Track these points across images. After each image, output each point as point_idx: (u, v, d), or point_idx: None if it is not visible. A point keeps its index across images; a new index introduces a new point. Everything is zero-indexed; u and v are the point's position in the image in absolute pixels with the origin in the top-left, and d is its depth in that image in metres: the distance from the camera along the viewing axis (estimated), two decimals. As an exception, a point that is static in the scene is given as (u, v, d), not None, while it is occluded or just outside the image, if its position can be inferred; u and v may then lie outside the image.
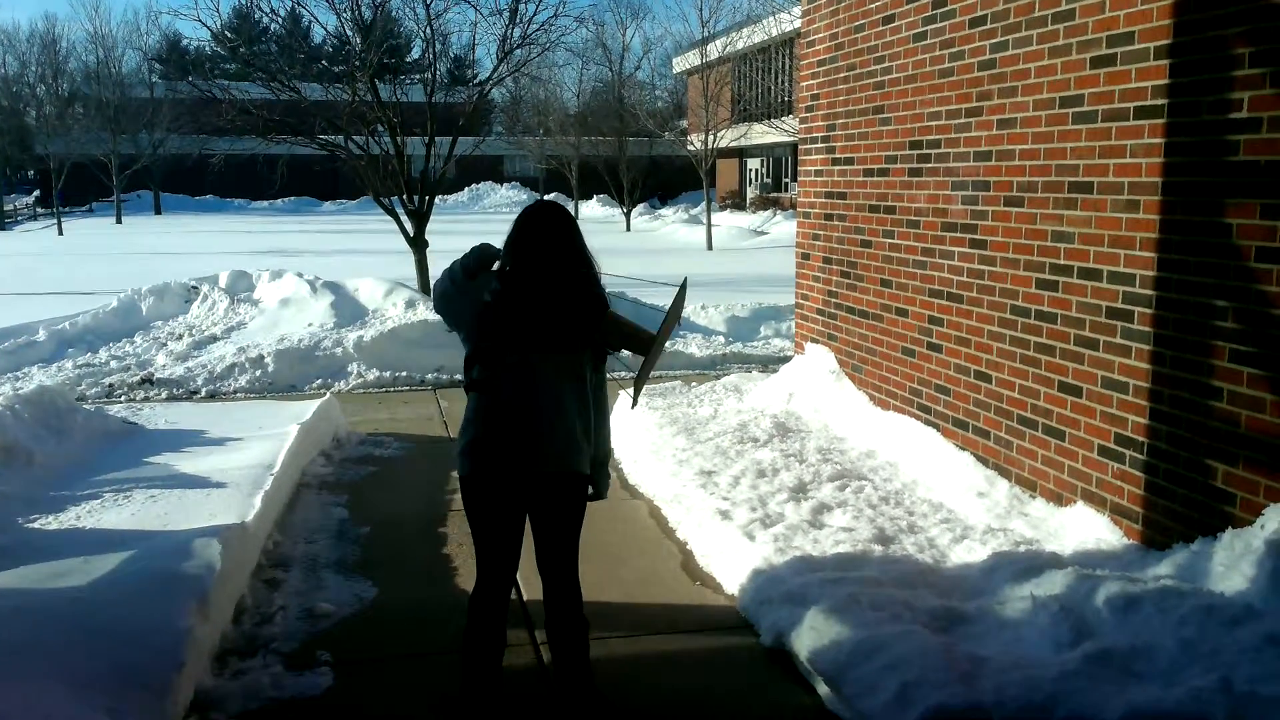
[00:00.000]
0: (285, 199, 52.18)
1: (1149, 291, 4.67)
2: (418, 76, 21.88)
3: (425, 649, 4.54)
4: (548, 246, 3.51)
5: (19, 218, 45.27)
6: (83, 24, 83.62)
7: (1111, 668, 3.44)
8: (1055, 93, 5.24)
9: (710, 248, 28.75)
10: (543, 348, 3.52)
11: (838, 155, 7.68)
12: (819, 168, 8.01)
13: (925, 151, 6.47)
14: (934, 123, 6.36)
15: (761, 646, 4.43)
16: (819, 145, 8.01)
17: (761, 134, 36.87)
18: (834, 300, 7.85)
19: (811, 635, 4.09)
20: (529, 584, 5.17)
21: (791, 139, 30.09)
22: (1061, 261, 5.23)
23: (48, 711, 3.47)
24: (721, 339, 12.37)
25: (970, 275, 6.02)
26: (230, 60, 37.87)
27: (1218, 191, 4.30)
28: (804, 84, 8.28)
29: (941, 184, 6.30)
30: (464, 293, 3.48)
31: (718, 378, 9.35)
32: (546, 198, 4.01)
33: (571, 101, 43.51)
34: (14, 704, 3.47)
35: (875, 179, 7.12)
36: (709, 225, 30.03)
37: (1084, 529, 4.91)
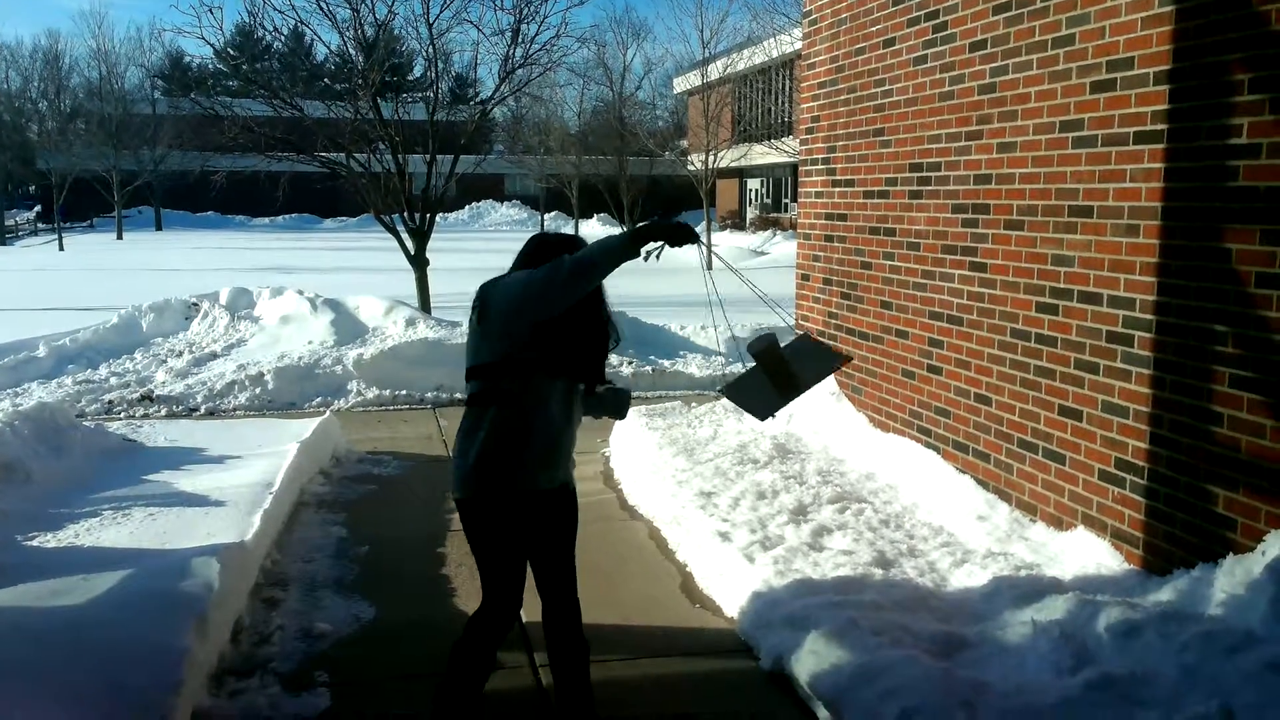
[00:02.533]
0: (286, 216, 52.32)
1: (1149, 316, 4.68)
2: (420, 95, 22.00)
3: (423, 670, 4.51)
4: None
5: (20, 233, 45.34)
6: (86, 40, 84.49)
7: (1112, 694, 3.42)
8: (1055, 117, 5.26)
9: (710, 268, 28.74)
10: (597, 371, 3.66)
11: (838, 177, 7.71)
12: (819, 189, 8.04)
13: (925, 174, 6.49)
14: (934, 145, 6.38)
15: (761, 670, 4.41)
16: (819, 167, 8.03)
17: (762, 154, 36.99)
18: (834, 321, 7.86)
19: (811, 659, 4.08)
20: (527, 606, 5.17)
21: (792, 160, 30.19)
22: (1062, 285, 5.24)
23: (44, 731, 3.46)
24: (722, 359, 12.37)
25: (970, 298, 6.03)
26: (233, 77, 38.06)
27: (1217, 216, 4.32)
28: (804, 106, 8.31)
29: (942, 207, 6.32)
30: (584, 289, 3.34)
31: (717, 398, 9.35)
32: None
33: (572, 120, 43.67)
34: (10, 723, 3.46)
35: (875, 201, 7.14)
36: (709, 245, 30.02)
37: (1085, 554, 4.90)
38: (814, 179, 8.14)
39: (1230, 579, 3.91)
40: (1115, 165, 4.88)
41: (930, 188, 6.45)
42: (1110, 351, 4.92)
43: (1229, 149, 4.26)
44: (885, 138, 6.97)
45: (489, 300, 3.44)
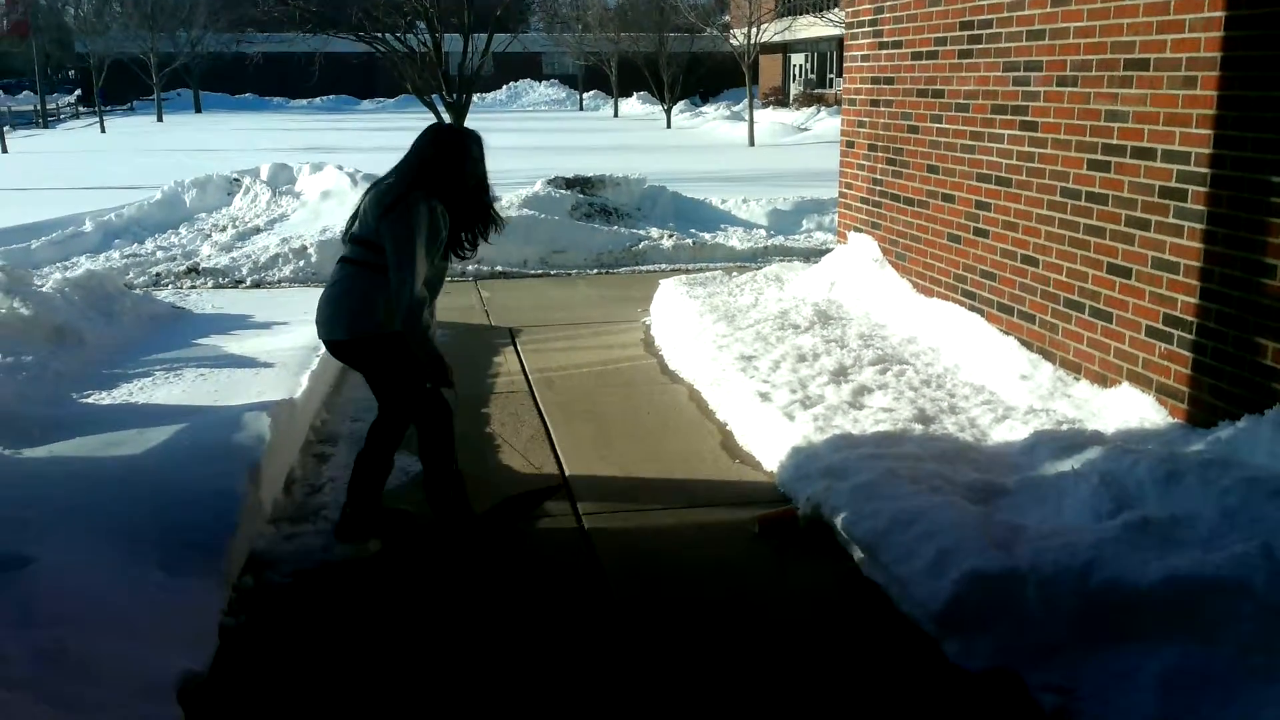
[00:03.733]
0: (323, 97, 51.95)
1: (1204, 170, 4.56)
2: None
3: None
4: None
5: (61, 116, 45.42)
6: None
7: (1151, 535, 3.45)
8: (1114, -37, 5.06)
9: (752, 144, 28.35)
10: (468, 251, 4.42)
11: (885, 39, 7.49)
12: (865, 52, 7.83)
13: (976, 32, 6.29)
14: (985, 2, 6.16)
15: (799, 518, 4.48)
16: (866, 29, 7.81)
17: (806, 27, 36.00)
18: (879, 188, 7.74)
19: (849, 506, 4.13)
20: (569, 461, 5.28)
21: (837, 32, 29.35)
22: (1115, 141, 5.10)
23: (102, 566, 3.61)
24: (763, 232, 12.28)
25: (1020, 158, 5.90)
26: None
27: (1278, 65, 4.16)
28: (852, -36, 8.04)
29: (992, 65, 6.14)
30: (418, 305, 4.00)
31: (758, 268, 9.31)
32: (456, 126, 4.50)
33: (611, -3, 42.64)
34: (69, 560, 3.60)
35: (924, 62, 6.95)
36: (751, 122, 29.54)
37: (1128, 409, 4.88)
38: (860, 42, 7.92)
39: (1275, 428, 3.88)
40: (1174, 15, 4.70)
41: (981, 46, 6.25)
42: (1163, 207, 4.81)
43: (1297, -11, 4.08)
44: (935, -7, 6.74)
45: (370, 208, 4.07)
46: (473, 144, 4.18)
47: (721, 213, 13.17)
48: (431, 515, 4.42)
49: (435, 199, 4.03)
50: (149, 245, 11.35)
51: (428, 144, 4.14)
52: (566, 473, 5.16)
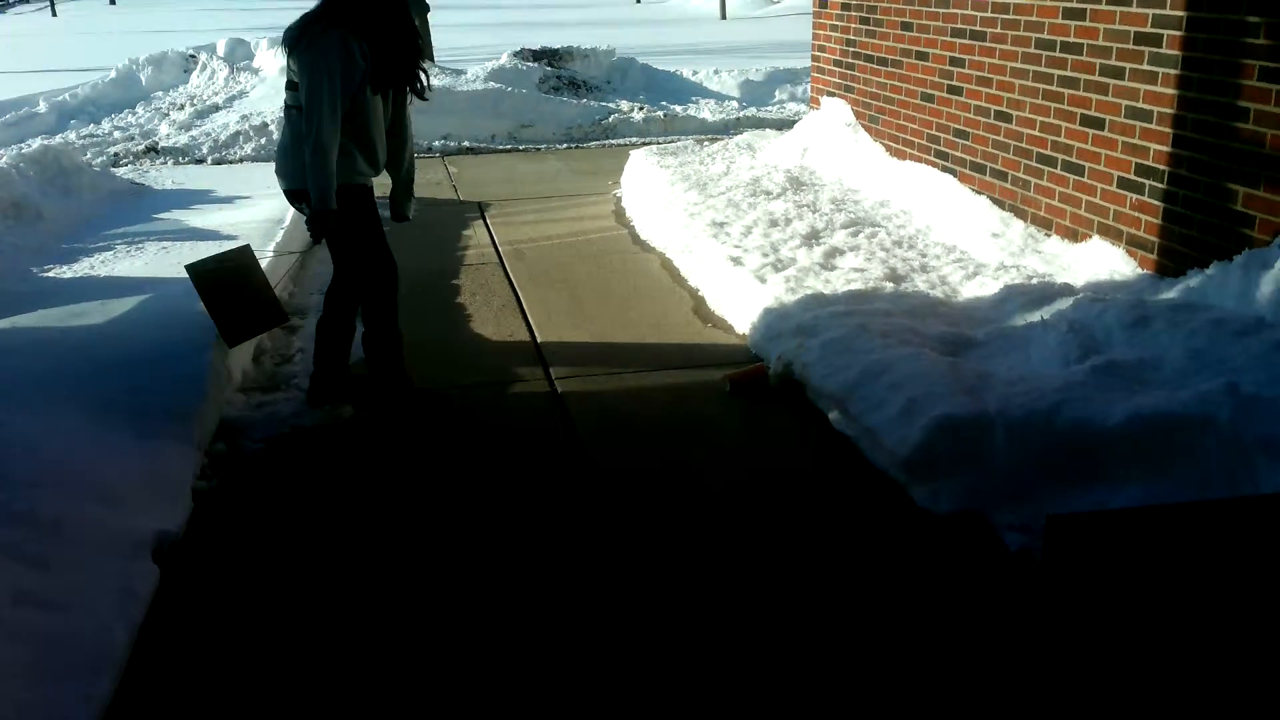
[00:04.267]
0: (282, -24, 50.13)
1: (1180, 13, 4.46)
2: None
3: (440, 384, 4.63)
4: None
5: (9, 2, 43.73)
6: None
7: (1118, 377, 3.47)
8: None
9: (724, 16, 27.68)
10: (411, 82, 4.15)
11: (858, -111, 7.24)
12: (838, -95, 7.57)
13: (951, -123, 6.08)
14: None
15: (771, 375, 4.48)
16: (838, -120, 7.54)
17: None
18: (851, 49, 7.57)
19: (819, 361, 4.14)
20: (541, 329, 5.25)
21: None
22: (1091, -13, 4.98)
23: (73, 432, 3.58)
24: (735, 103, 12.07)
25: (995, 10, 5.76)
26: None
27: (1262, -104, 4.04)
28: None
29: (968, -88, 5.95)
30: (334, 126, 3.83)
31: (732, 137, 9.16)
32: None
33: None
34: (39, 427, 3.57)
35: (897, -88, 6.73)
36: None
37: (1098, 262, 4.88)
38: (832, -106, 7.65)
39: (1244, 272, 3.89)
40: None
41: (956, -108, 6.05)
42: (1137, 54, 4.72)
43: None
44: None
45: (289, 54, 3.92)
46: None
47: (693, 84, 12.91)
48: (369, 372, 4.40)
49: (343, 27, 3.79)
50: (105, 125, 11.05)
51: None
52: (538, 339, 5.14)
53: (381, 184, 4.22)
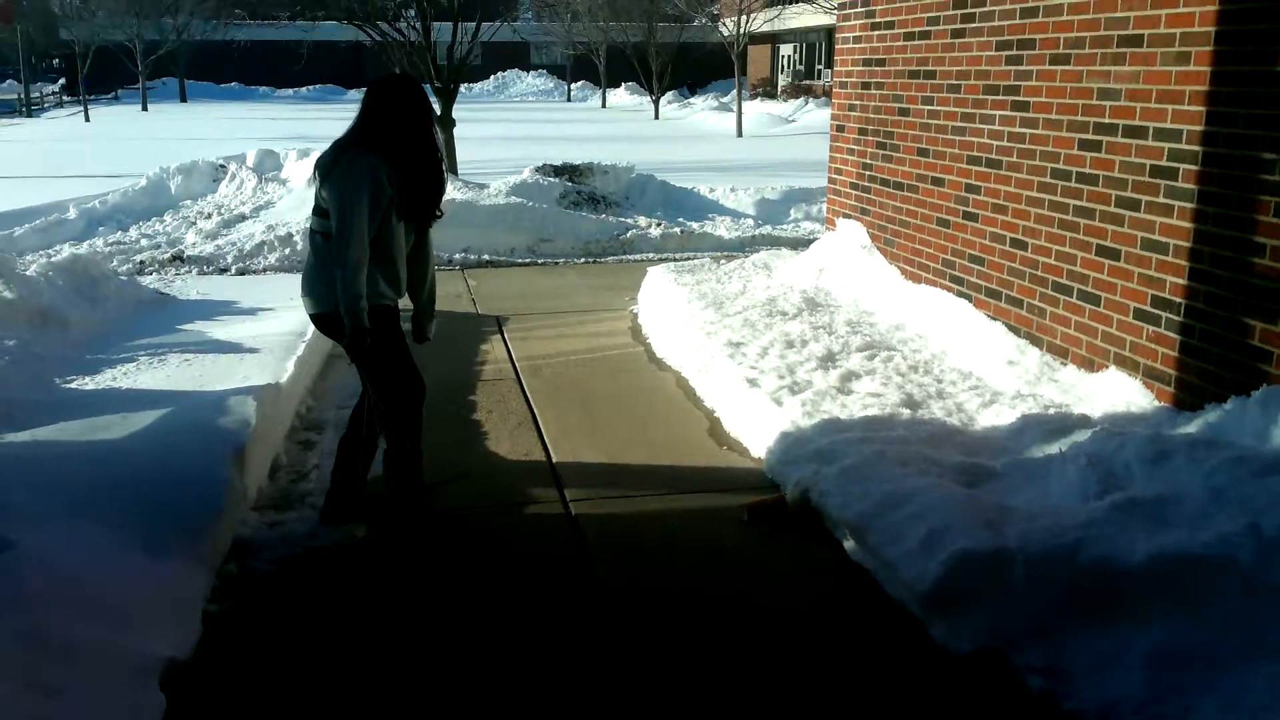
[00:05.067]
0: (310, 87, 51.57)
1: (1195, 147, 4.54)
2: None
3: (457, 505, 4.61)
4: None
5: (45, 105, 45.08)
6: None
7: (1139, 515, 3.43)
8: (1104, -57, 5.03)
9: (740, 134, 28.30)
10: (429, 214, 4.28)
11: (877, 20, 7.46)
12: (857, 34, 7.79)
13: (970, 10, 6.26)
14: (976, -19, 6.14)
15: (788, 502, 4.45)
16: (858, 10, 7.77)
17: (796, 16, 35.93)
18: (868, 173, 7.71)
19: (837, 489, 4.11)
20: (556, 448, 5.25)
21: (826, 22, 29.29)
22: (1106, 120, 5.08)
23: (85, 550, 3.57)
24: (751, 221, 12.24)
25: (1011, 139, 5.88)
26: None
27: (1272, 39, 4.14)
28: (841, -52, 8.00)
29: (985, 44, 6.11)
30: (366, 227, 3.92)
31: (746, 257, 9.27)
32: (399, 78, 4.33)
33: (600, -16, 42.47)
34: (52, 543, 3.56)
35: (916, 42, 6.92)
36: (739, 112, 29.47)
37: (1115, 393, 4.87)
38: (852, 23, 7.89)
39: (1262, 409, 3.88)
40: (1167, -10, 4.68)
41: (974, 25, 6.22)
42: (1153, 186, 4.79)
43: (1287, -32, 4.06)
44: (925, -24, 6.71)
45: (323, 180, 4.00)
46: (407, 88, 4.06)
47: (709, 201, 13.13)
48: (385, 492, 4.40)
49: (374, 154, 3.91)
50: (133, 232, 11.26)
51: (365, 98, 4.05)
52: (553, 459, 5.13)
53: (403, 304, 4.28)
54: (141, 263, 9.88)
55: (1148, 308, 4.84)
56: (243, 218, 11.82)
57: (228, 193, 13.02)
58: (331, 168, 3.94)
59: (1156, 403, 4.73)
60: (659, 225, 11.52)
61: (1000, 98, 5.96)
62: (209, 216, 11.90)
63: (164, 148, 22.15)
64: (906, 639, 3.45)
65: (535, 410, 5.81)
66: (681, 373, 6.43)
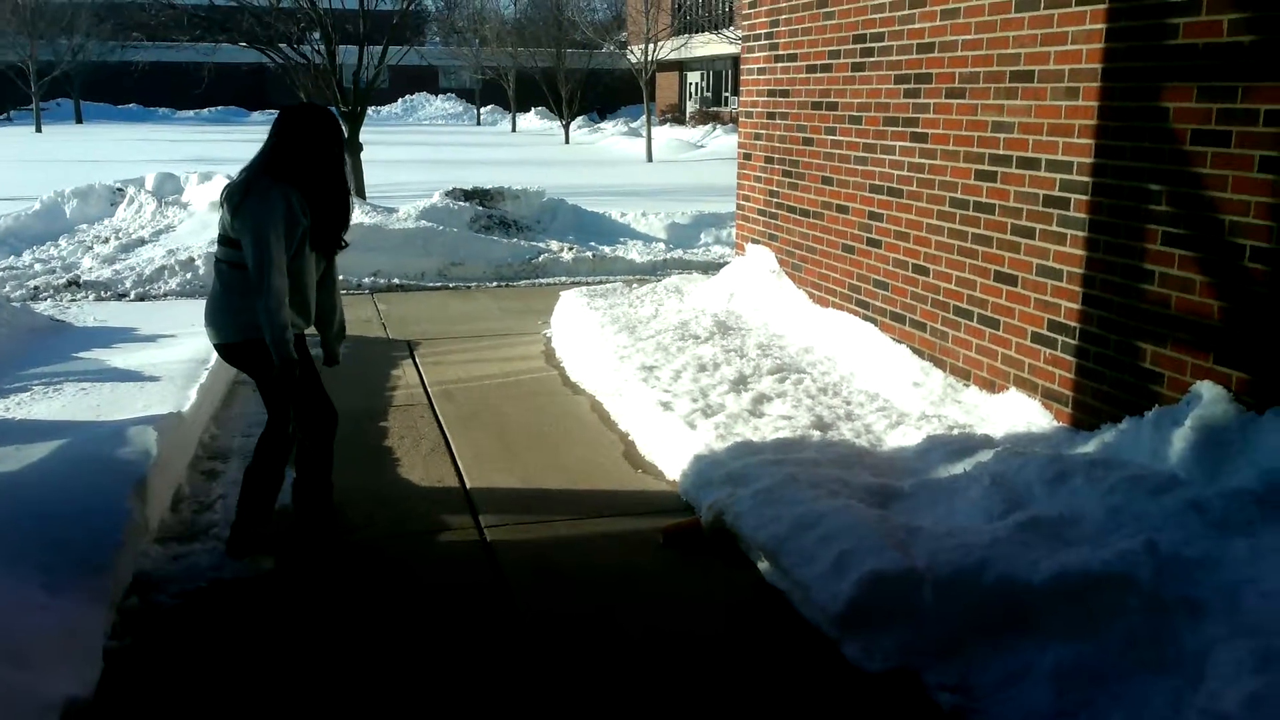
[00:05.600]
0: (211, 109, 50.54)
1: (1085, 178, 4.73)
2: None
3: (367, 534, 4.55)
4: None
5: (-69, 126, 43.38)
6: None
7: (1041, 534, 3.55)
8: (999, -19, 5.23)
9: (650, 159, 28.53)
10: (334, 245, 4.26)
11: (780, 52, 7.62)
12: (761, 65, 7.94)
13: (869, 45, 6.44)
14: (878, 15, 6.32)
15: (702, 525, 4.48)
16: (762, 43, 7.92)
17: (702, 45, 36.43)
18: (775, 200, 7.85)
19: (750, 511, 4.16)
20: (470, 474, 5.21)
21: (733, 51, 29.76)
22: (1001, 152, 5.26)
23: (-18, 587, 3.43)
24: (662, 245, 12.34)
25: (911, 169, 6.05)
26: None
27: (1156, 76, 4.34)
28: (747, -21, 8.16)
29: (884, 78, 6.29)
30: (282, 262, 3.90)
31: (658, 280, 9.34)
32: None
33: (509, 10, 42.54)
34: (-53, 580, 3.42)
35: (818, 75, 7.08)
36: (649, 137, 29.73)
37: (1016, 413, 5.03)
38: (756, 55, 8.04)
39: (1155, 429, 4.04)
40: (1058, 28, 4.87)
41: (873, 59, 6.40)
42: (1047, 215, 4.97)
43: (1169, 6, 4.26)
44: (829, 9, 6.88)
45: (225, 204, 3.98)
46: (319, 118, 4.05)
47: (621, 226, 13.20)
48: (295, 521, 4.38)
49: (286, 184, 3.90)
50: (26, 258, 10.87)
51: (275, 126, 4.03)
52: (467, 485, 5.09)
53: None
54: (35, 289, 9.55)
55: (1045, 331, 5.01)
56: (142, 242, 11.50)
57: (126, 216, 12.66)
58: (243, 198, 3.88)
59: (1056, 423, 4.89)
60: (571, 249, 11.54)
61: (900, 129, 6.13)
62: (106, 241, 11.56)
63: (59, 170, 21.47)
64: (820, 659, 3.50)
65: (449, 435, 5.76)
66: (596, 396, 6.44)
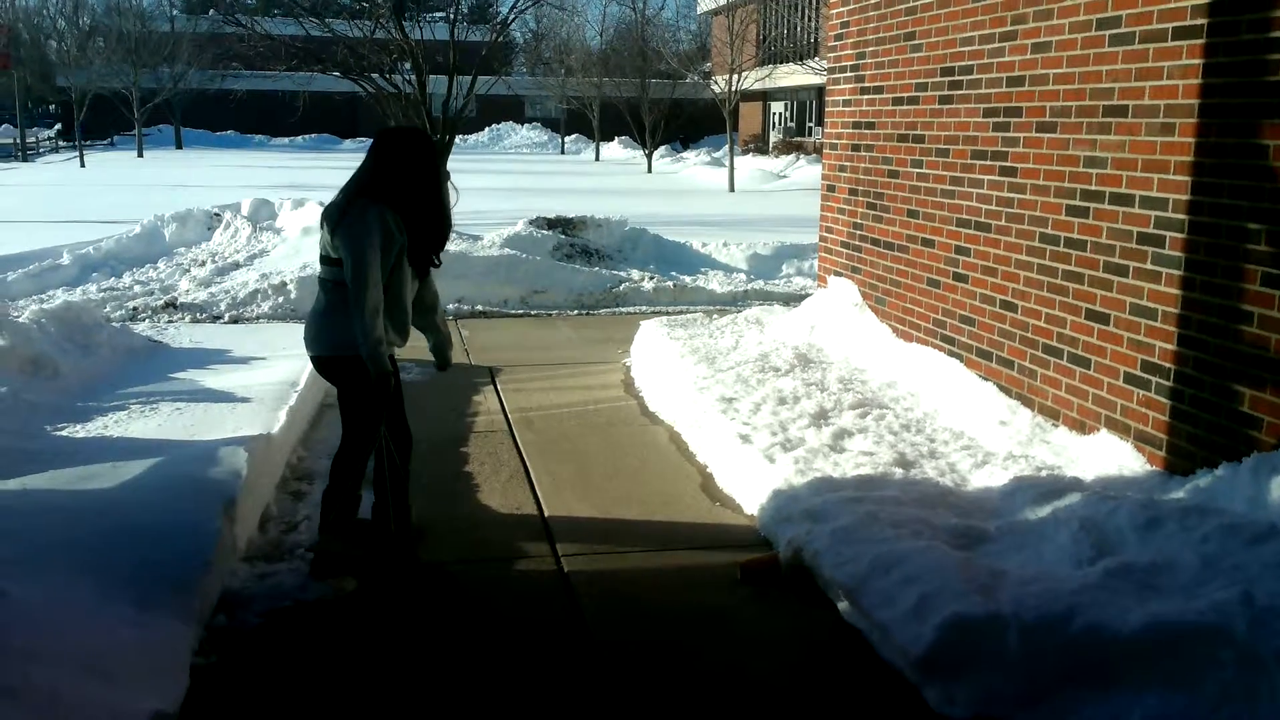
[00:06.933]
0: (306, 136, 52.01)
1: (1181, 216, 4.61)
2: (440, 15, 21.69)
3: (444, 559, 4.60)
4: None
5: (41, 150, 45.30)
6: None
7: (1132, 581, 3.44)
8: (1092, 14, 5.14)
9: (732, 189, 28.55)
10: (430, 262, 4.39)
11: (866, 84, 7.58)
12: (847, 97, 7.92)
13: (957, 78, 6.38)
14: (966, 48, 6.26)
15: (780, 563, 4.45)
16: (848, 74, 7.90)
17: (786, 75, 36.45)
18: (859, 232, 7.79)
19: (829, 549, 4.11)
20: (549, 502, 5.24)
21: (817, 81, 29.72)
22: (1093, 187, 5.16)
23: (75, 603, 3.54)
24: (743, 276, 12.32)
25: (999, 203, 5.96)
26: (251, -7, 37.52)
27: (1255, 112, 4.23)
28: (834, 11, 8.15)
29: (972, 111, 6.22)
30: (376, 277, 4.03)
31: (739, 311, 9.33)
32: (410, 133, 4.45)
33: (594, 40, 43.06)
34: (39, 594, 3.53)
35: (905, 107, 7.03)
36: (731, 167, 29.77)
37: (1107, 456, 4.90)
38: (842, 87, 8.01)
39: (1253, 476, 3.90)
40: (1153, 63, 4.77)
41: (961, 91, 6.33)
42: (1141, 253, 4.86)
43: (1269, 42, 4.15)
44: (916, 41, 6.84)
45: (324, 225, 4.11)
46: (415, 140, 4.20)
47: (702, 256, 13.22)
48: (374, 543, 4.48)
49: (383, 204, 4.03)
50: (126, 279, 11.28)
51: (372, 149, 4.18)
52: (545, 513, 5.12)
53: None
54: (134, 309, 9.89)
55: (1138, 372, 4.89)
56: (237, 265, 11.85)
57: (222, 241, 13.06)
58: (341, 217, 4.02)
59: (1148, 467, 4.75)
60: (652, 278, 11.59)
61: (988, 163, 6.05)
62: (203, 264, 11.93)
63: (159, 195, 22.25)
64: (899, 703, 3.43)
65: (528, 463, 5.80)
66: (674, 427, 6.44)
